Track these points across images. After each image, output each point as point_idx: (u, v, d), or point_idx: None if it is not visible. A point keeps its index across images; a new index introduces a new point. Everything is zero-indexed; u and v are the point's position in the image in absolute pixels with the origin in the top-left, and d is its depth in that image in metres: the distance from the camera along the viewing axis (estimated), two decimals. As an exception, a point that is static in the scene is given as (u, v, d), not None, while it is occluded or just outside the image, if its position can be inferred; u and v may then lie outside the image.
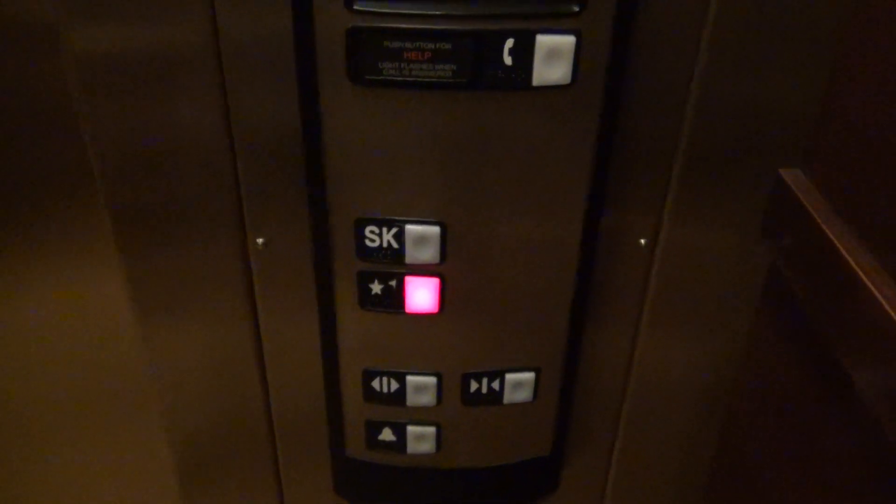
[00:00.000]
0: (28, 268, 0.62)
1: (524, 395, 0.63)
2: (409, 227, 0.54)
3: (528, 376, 0.62)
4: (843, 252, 0.45)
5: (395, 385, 0.62)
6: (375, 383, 0.62)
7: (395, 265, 0.56)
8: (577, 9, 0.46)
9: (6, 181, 0.57)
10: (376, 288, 0.57)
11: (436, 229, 0.54)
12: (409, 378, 0.61)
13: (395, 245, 0.55)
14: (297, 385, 0.66)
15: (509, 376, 0.62)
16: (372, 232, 0.54)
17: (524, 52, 0.46)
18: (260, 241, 0.58)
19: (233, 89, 0.52)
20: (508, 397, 0.63)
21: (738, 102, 0.53)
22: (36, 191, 0.57)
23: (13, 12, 0.50)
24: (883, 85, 0.44)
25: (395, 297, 0.57)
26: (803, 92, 0.52)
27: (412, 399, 0.62)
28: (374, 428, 0.65)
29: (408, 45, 0.46)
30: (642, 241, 0.59)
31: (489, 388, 0.62)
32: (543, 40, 0.46)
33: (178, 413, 0.69)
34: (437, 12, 0.45)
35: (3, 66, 0.51)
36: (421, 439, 0.65)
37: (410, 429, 0.64)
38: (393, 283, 0.56)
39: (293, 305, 0.61)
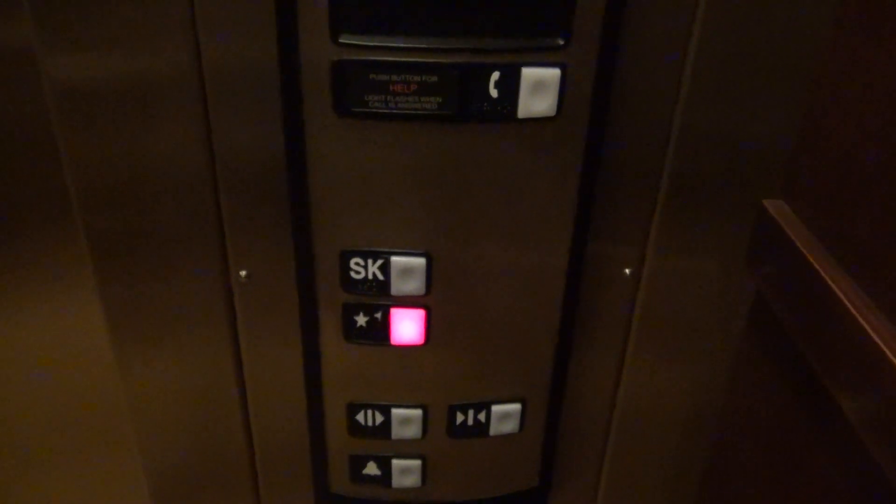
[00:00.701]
0: (5, 295, 0.61)
1: (510, 426, 0.63)
2: (395, 259, 0.54)
3: (515, 407, 0.62)
4: (827, 280, 0.46)
5: (379, 418, 0.61)
6: (360, 416, 0.61)
7: (380, 297, 0.55)
8: (561, 42, 0.46)
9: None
10: (361, 320, 0.56)
11: (421, 261, 0.54)
12: (395, 411, 0.61)
13: (380, 277, 0.54)
14: (280, 419, 0.65)
15: (495, 408, 0.61)
16: (357, 264, 0.54)
17: (510, 85, 0.47)
18: (243, 273, 0.58)
19: (216, 119, 0.52)
20: (495, 429, 0.62)
21: (721, 133, 0.54)
22: (14, 218, 0.57)
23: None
24: (859, 116, 0.45)
25: (381, 329, 0.57)
26: (786, 122, 0.53)
27: (397, 432, 0.62)
28: (358, 462, 0.64)
29: (394, 77, 0.46)
30: (627, 270, 0.60)
31: (475, 419, 0.62)
32: (529, 73, 0.47)
33: (156, 446, 0.67)
34: (424, 45, 0.46)
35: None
36: (406, 473, 0.64)
37: (395, 462, 0.64)
38: (378, 315, 0.56)
39: (276, 338, 0.61)
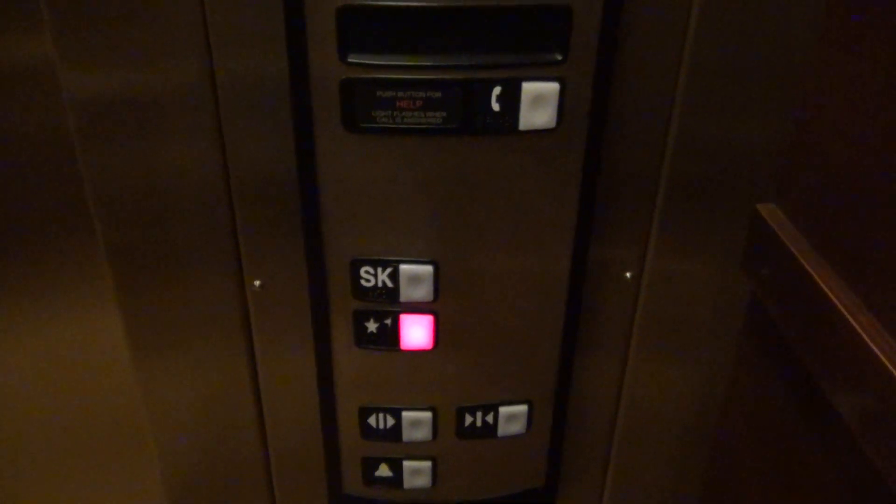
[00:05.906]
0: (26, 307, 0.62)
1: (517, 427, 0.64)
2: (403, 267, 0.55)
3: (521, 409, 0.63)
4: (819, 281, 0.47)
5: (391, 421, 0.63)
6: (372, 420, 0.63)
7: (389, 304, 0.57)
8: (560, 57, 0.48)
9: (6, 221, 0.57)
10: (372, 326, 0.58)
11: (429, 268, 0.55)
12: (405, 413, 0.62)
13: (389, 284, 0.56)
14: (294, 424, 0.67)
15: (503, 409, 0.63)
16: (367, 272, 0.56)
17: (511, 99, 0.48)
18: (257, 283, 0.59)
19: (229, 133, 0.53)
20: (502, 430, 0.64)
21: (715, 140, 0.55)
22: (35, 232, 0.58)
23: (15, 55, 0.51)
24: (841, 125, 0.46)
25: (391, 335, 0.58)
26: (777, 128, 0.55)
27: (408, 434, 0.63)
28: (371, 464, 0.65)
29: (400, 94, 0.48)
30: (628, 274, 0.61)
31: (483, 421, 0.63)
32: (529, 87, 0.48)
33: (174, 453, 0.69)
34: (428, 63, 0.47)
35: (4, 107, 0.52)
36: (417, 474, 0.65)
37: (407, 464, 0.65)
38: (388, 321, 0.58)
39: (290, 345, 0.62)
